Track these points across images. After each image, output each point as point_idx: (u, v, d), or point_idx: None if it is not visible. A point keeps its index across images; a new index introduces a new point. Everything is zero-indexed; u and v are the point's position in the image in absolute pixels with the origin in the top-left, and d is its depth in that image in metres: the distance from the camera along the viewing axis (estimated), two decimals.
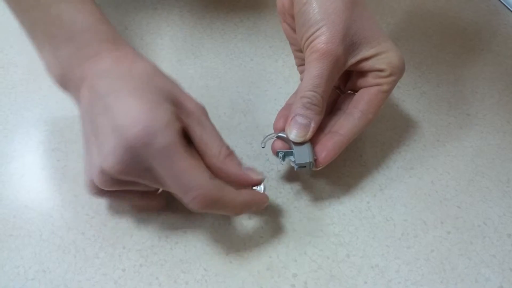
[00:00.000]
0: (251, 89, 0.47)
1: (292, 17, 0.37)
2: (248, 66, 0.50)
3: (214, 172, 0.33)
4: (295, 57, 0.41)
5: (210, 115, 0.34)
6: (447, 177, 0.42)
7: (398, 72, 0.36)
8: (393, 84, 0.37)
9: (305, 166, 0.36)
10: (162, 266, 0.35)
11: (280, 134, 0.36)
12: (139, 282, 0.34)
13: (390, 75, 0.36)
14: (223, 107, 0.45)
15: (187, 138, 0.32)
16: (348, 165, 0.42)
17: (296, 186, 0.40)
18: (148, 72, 0.32)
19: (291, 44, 0.41)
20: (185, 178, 0.30)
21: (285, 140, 0.36)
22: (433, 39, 0.54)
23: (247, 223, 0.38)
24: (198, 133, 0.32)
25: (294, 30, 0.38)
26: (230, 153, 0.33)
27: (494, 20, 0.57)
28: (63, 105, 0.44)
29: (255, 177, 0.34)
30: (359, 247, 0.37)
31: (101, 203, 0.38)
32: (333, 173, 0.41)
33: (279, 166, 0.41)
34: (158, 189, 0.36)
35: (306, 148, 0.36)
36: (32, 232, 0.36)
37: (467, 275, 0.36)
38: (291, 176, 0.41)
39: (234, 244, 0.37)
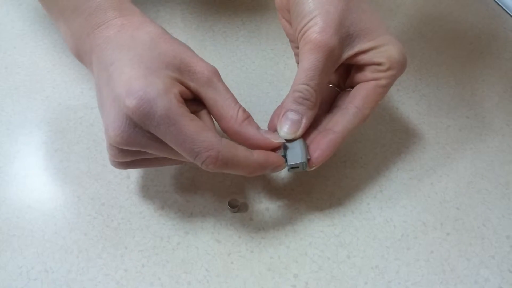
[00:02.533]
0: (252, 91, 0.48)
1: (290, 12, 0.36)
2: (250, 68, 0.50)
3: (231, 136, 0.32)
4: (295, 54, 0.40)
5: None
6: (446, 179, 0.42)
7: (398, 67, 0.34)
8: (392, 79, 0.35)
9: (298, 167, 0.34)
10: (164, 266, 0.35)
11: None
12: (141, 283, 0.35)
13: (389, 69, 0.34)
14: None
15: (195, 104, 0.33)
16: (348, 167, 0.42)
17: (297, 188, 0.40)
18: (153, 37, 0.32)
19: (290, 41, 0.40)
20: (193, 141, 0.30)
21: None
22: (433, 42, 0.54)
23: (248, 224, 0.38)
24: (210, 96, 0.32)
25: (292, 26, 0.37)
26: (248, 116, 0.33)
27: (493, 23, 0.57)
28: (66, 106, 0.45)
29: (275, 140, 0.33)
30: (360, 248, 0.37)
31: (104, 203, 0.38)
32: (333, 175, 0.41)
33: None
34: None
35: (299, 148, 0.34)
36: (35, 232, 0.37)
37: (467, 276, 0.36)
38: (291, 177, 0.41)
39: (236, 245, 0.37)
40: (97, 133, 0.43)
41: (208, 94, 0.32)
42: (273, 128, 0.36)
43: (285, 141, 0.34)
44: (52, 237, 0.36)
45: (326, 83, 0.35)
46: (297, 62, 0.40)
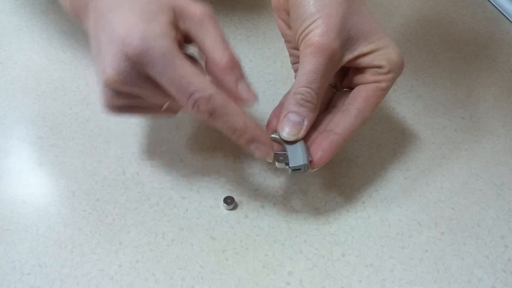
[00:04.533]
0: None
1: (287, 12, 0.36)
2: (247, 67, 0.50)
3: (214, 80, 0.33)
4: (290, 55, 0.40)
5: None
6: (441, 179, 0.42)
7: (397, 69, 0.35)
8: (392, 82, 0.35)
9: (299, 169, 0.34)
10: (159, 262, 0.35)
11: (272, 136, 0.35)
12: (135, 278, 0.34)
13: (389, 72, 0.34)
14: None
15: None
16: (344, 166, 0.42)
17: (292, 186, 0.40)
18: None
19: (286, 41, 0.40)
20: (186, 81, 0.30)
21: (278, 141, 0.35)
22: (430, 44, 0.55)
23: (243, 221, 0.38)
24: (200, 37, 0.32)
25: (289, 27, 0.37)
26: (233, 66, 0.32)
27: (490, 26, 0.58)
28: (62, 101, 0.44)
29: (244, 95, 0.33)
30: (354, 246, 0.37)
31: (99, 199, 0.38)
32: (329, 174, 0.41)
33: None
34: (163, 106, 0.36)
35: (300, 149, 0.34)
36: (29, 227, 0.36)
37: (460, 275, 0.36)
38: (287, 175, 0.41)
39: (231, 242, 0.37)
40: (92, 129, 0.43)
41: (198, 37, 0.32)
42: (272, 129, 0.36)
43: (255, 100, 0.33)
44: (46, 232, 0.36)
45: (327, 86, 0.35)
46: (292, 63, 0.41)
